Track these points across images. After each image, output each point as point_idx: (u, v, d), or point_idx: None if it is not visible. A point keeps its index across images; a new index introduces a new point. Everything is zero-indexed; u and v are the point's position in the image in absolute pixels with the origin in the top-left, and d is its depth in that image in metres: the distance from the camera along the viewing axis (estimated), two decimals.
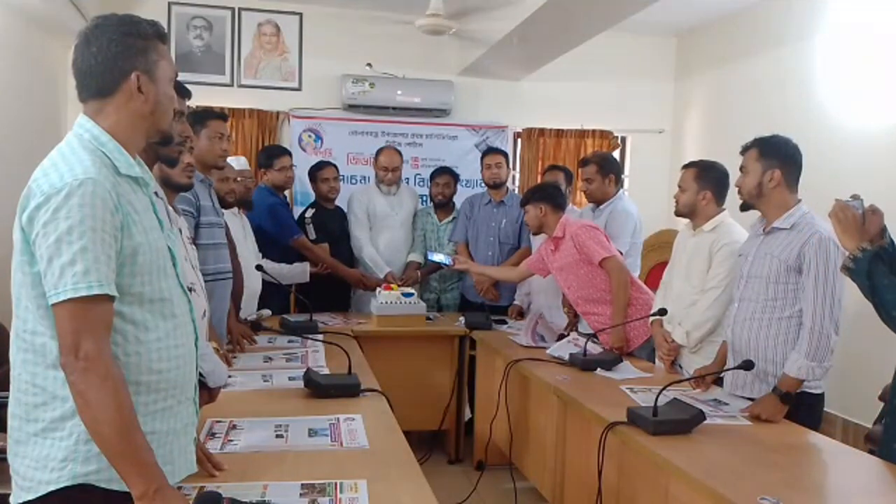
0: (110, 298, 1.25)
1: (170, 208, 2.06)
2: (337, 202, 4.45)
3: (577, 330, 3.59)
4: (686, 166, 3.02)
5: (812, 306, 2.31)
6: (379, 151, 4.51)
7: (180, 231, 2.13)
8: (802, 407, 2.36)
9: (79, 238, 1.21)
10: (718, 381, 2.70)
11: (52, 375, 1.28)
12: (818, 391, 2.41)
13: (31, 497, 1.29)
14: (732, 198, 2.98)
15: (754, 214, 2.63)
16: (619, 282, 3.28)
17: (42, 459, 1.28)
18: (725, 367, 2.60)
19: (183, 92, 1.91)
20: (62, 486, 1.27)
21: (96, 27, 1.35)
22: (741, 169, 2.52)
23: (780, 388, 2.32)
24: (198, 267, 2.24)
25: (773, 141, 2.49)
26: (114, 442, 1.22)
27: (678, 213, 3.02)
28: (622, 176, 4.10)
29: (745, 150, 2.52)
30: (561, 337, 3.45)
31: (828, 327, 2.28)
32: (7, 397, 1.35)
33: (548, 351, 3.25)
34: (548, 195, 3.56)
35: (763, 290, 2.46)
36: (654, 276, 4.57)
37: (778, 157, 2.45)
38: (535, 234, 3.65)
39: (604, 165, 3.74)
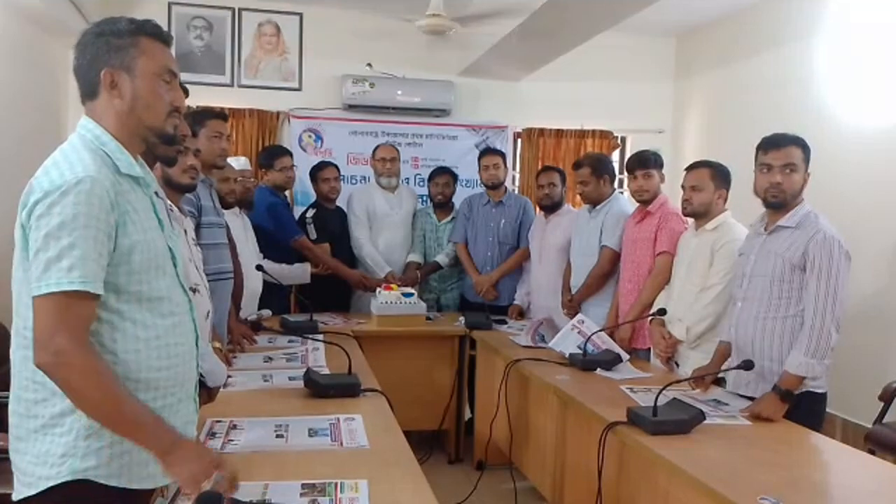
0: (93, 297, 1.25)
1: (175, 210, 2.06)
2: (337, 202, 4.46)
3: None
4: (696, 166, 3.01)
5: (814, 303, 2.31)
6: (375, 147, 4.56)
7: (185, 232, 2.13)
8: (805, 406, 2.36)
9: (68, 235, 1.22)
10: (719, 382, 2.70)
11: None
12: (821, 390, 2.41)
13: (31, 493, 1.30)
14: (733, 198, 3.00)
15: (754, 214, 2.63)
16: (655, 279, 3.22)
17: (42, 455, 1.29)
18: (725, 368, 2.60)
19: None
20: (61, 481, 1.28)
21: (85, 33, 1.39)
22: (789, 166, 2.41)
23: (780, 386, 2.32)
24: (202, 268, 2.25)
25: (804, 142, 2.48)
26: (112, 420, 1.26)
27: (691, 213, 3.00)
28: (617, 176, 4.08)
29: (784, 145, 2.43)
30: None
31: (829, 325, 2.29)
32: (8, 397, 1.36)
33: (550, 343, 3.25)
34: (662, 163, 3.44)
35: (767, 289, 2.46)
36: None
37: (808, 159, 2.44)
38: (647, 202, 3.34)
39: (597, 167, 3.70)
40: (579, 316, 3.37)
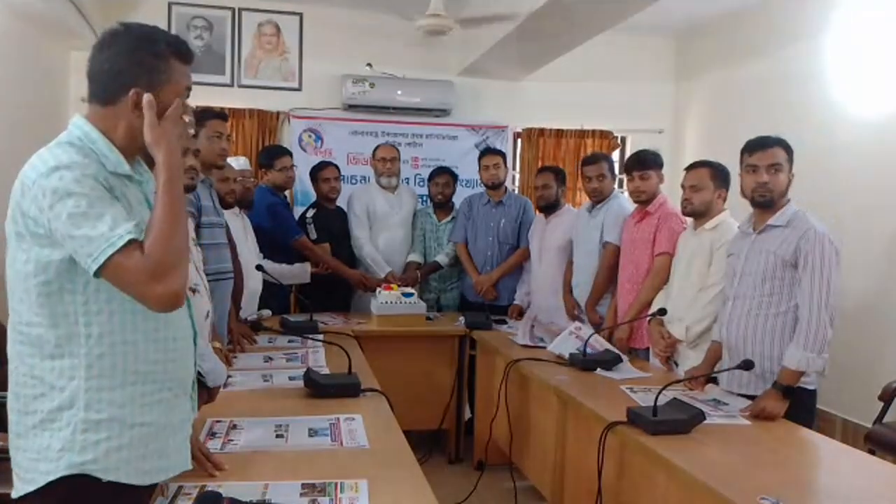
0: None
1: None
2: (338, 202, 4.46)
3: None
4: (696, 166, 3.03)
5: (808, 298, 2.35)
6: (376, 147, 4.57)
7: None
8: (798, 403, 2.37)
9: (88, 206, 1.22)
10: (715, 381, 2.71)
11: (48, 366, 1.29)
12: (811, 387, 2.46)
13: (31, 488, 1.30)
14: (732, 198, 3.00)
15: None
16: (654, 279, 3.23)
17: (42, 451, 1.29)
18: (725, 368, 2.60)
19: None
20: (60, 475, 1.28)
21: (115, 34, 1.36)
22: (775, 166, 2.47)
23: (780, 382, 2.34)
24: (201, 268, 2.25)
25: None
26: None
27: (691, 213, 3.01)
28: (617, 176, 4.15)
29: (769, 146, 2.49)
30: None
31: (824, 319, 2.33)
32: (6, 396, 1.36)
33: (549, 347, 3.25)
34: (662, 163, 3.46)
35: (758, 287, 2.49)
36: None
37: (792, 160, 2.50)
38: (645, 202, 3.36)
39: (611, 162, 3.80)
40: (575, 323, 3.39)
